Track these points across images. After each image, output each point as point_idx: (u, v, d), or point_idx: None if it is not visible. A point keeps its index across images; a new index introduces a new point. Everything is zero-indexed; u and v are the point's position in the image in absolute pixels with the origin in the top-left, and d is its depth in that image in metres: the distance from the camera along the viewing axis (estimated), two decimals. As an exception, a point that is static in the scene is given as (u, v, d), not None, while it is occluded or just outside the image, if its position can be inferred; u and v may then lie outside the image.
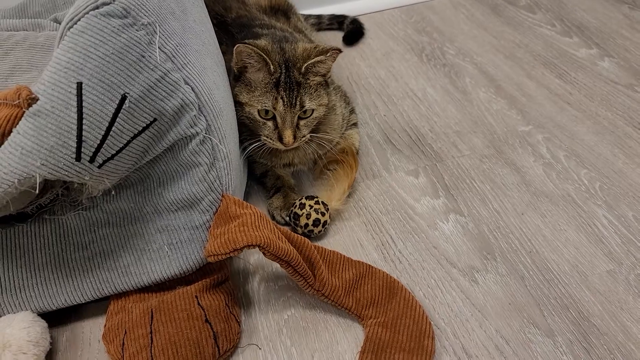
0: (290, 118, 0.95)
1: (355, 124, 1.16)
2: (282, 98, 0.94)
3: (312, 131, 1.00)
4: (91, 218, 0.84)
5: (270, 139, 0.97)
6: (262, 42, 0.97)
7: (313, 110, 0.97)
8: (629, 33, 1.51)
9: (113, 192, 0.82)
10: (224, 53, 1.12)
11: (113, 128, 0.69)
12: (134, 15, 0.70)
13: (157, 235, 0.84)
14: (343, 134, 1.11)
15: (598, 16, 1.58)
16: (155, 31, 0.72)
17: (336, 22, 1.57)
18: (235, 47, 0.93)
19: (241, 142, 1.00)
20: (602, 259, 0.94)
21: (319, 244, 0.97)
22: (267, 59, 0.92)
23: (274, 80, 0.94)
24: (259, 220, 0.82)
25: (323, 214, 0.96)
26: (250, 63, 0.94)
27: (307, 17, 1.53)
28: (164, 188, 0.83)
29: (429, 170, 1.13)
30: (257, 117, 0.96)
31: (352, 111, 1.17)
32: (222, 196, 0.85)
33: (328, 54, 0.95)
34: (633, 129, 1.20)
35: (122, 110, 0.69)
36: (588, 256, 0.94)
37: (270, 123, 0.96)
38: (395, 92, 1.33)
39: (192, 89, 0.77)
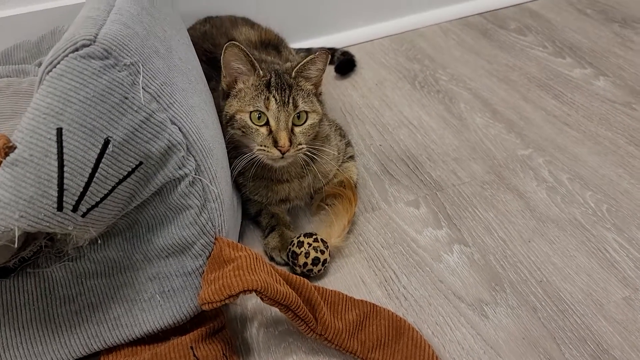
0: (284, 118, 0.90)
1: (352, 157, 1.13)
2: (274, 97, 0.90)
3: (307, 162, 0.96)
4: (78, 269, 0.79)
5: (265, 146, 0.90)
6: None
7: (307, 114, 0.93)
8: (621, 51, 1.50)
9: (100, 241, 0.78)
10: (213, 90, 1.10)
11: (96, 174, 0.66)
12: (115, 55, 0.67)
13: (148, 284, 0.80)
14: (340, 166, 1.07)
15: (589, 36, 1.58)
16: (138, 71, 0.69)
17: (326, 54, 1.55)
18: (223, 50, 0.91)
19: (231, 164, 0.96)
20: (616, 285, 0.90)
21: (319, 283, 0.92)
22: (254, 61, 0.91)
23: (265, 82, 0.92)
24: (255, 263, 0.78)
25: (322, 252, 0.92)
26: (239, 69, 0.93)
27: (297, 50, 1.51)
28: (154, 234, 0.79)
29: (429, 199, 1.09)
30: (250, 123, 0.91)
31: (348, 144, 1.14)
32: (215, 239, 0.80)
33: (316, 54, 0.93)
34: (635, 148, 1.17)
35: (105, 155, 0.66)
36: (602, 283, 0.90)
37: (263, 129, 0.91)
38: (390, 121, 1.31)
39: (179, 128, 0.74)
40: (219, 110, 0.98)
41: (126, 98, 0.67)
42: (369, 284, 0.93)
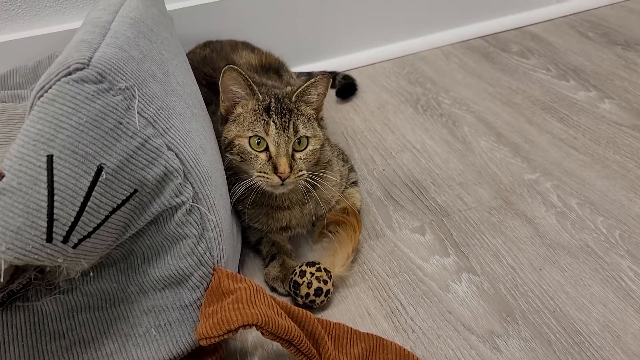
0: (284, 143, 0.87)
1: (355, 182, 1.10)
2: (273, 122, 0.88)
3: (308, 189, 0.93)
4: (69, 302, 0.76)
5: (264, 172, 0.87)
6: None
7: (308, 139, 0.91)
8: (626, 74, 1.48)
9: (92, 273, 0.74)
10: (212, 114, 1.08)
11: (89, 203, 0.63)
12: (110, 79, 0.64)
13: (143, 318, 0.76)
14: (343, 192, 1.04)
15: (592, 59, 1.56)
16: (133, 95, 0.67)
17: (327, 78, 1.53)
18: (221, 73, 0.89)
19: (230, 190, 0.92)
20: (633, 315, 0.86)
21: (322, 315, 0.88)
22: (253, 85, 0.89)
23: (264, 106, 0.90)
24: (255, 295, 0.74)
25: (325, 282, 0.88)
26: (238, 93, 0.91)
27: (298, 75, 1.50)
28: (149, 264, 0.75)
29: (435, 226, 1.06)
30: (249, 148, 0.88)
31: (351, 169, 1.11)
32: (214, 270, 0.77)
33: (317, 77, 0.91)
34: (645, 171, 1.14)
35: (98, 183, 0.63)
36: (618, 313, 0.86)
37: (263, 155, 0.88)
38: (393, 145, 1.28)
39: (176, 154, 0.71)
40: (218, 135, 0.96)
41: (120, 123, 0.65)
42: (374, 315, 0.89)
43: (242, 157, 0.89)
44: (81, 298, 0.76)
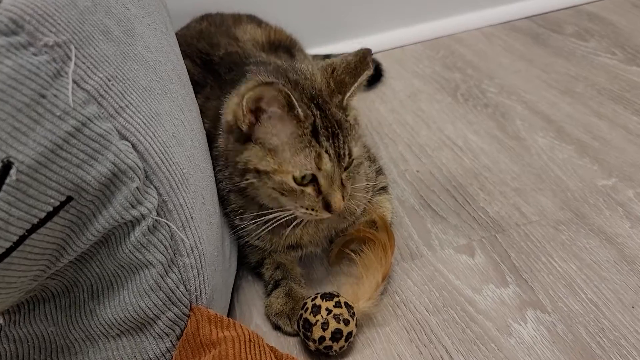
0: (338, 175, 0.67)
1: (384, 188, 0.86)
2: (326, 152, 0.65)
3: None
4: (-10, 350, 0.54)
5: (313, 209, 0.67)
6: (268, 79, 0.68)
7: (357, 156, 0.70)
8: None
9: (21, 311, 0.53)
10: (207, 99, 0.86)
11: (-11, 217, 0.41)
12: (30, 30, 0.43)
13: (90, 376, 0.54)
14: (369, 200, 0.80)
15: (663, 41, 1.31)
16: (68, 56, 0.45)
17: (348, 62, 1.30)
18: (251, 86, 0.63)
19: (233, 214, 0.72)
20: None
21: (342, 367, 0.66)
22: (294, 102, 0.62)
23: (309, 128, 0.65)
24: (249, 349, 0.52)
25: (347, 323, 0.65)
26: (266, 112, 0.64)
27: (313, 57, 1.27)
28: (99, 302, 0.53)
29: (486, 244, 0.82)
30: (293, 185, 0.66)
31: (379, 171, 0.87)
32: (190, 310, 0.55)
33: (364, 55, 0.69)
34: None
35: (3, 187, 0.41)
36: None
37: (309, 189, 0.66)
38: (429, 141, 1.05)
39: (134, 146, 0.49)
40: (216, 125, 0.73)
41: (43, 97, 0.42)
42: (411, 367, 0.66)
43: (281, 193, 0.67)
44: (6, 345, 0.54)
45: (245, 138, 0.66)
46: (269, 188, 0.67)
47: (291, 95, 0.62)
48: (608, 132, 1.03)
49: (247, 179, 0.67)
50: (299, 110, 0.63)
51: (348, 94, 0.69)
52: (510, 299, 0.74)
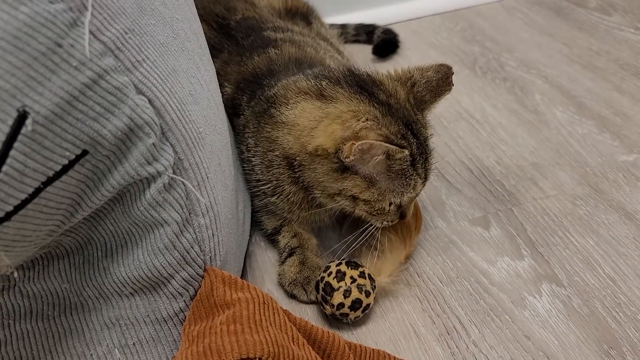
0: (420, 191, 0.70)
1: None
2: (419, 176, 0.66)
3: None
4: (5, 306, 0.54)
5: (391, 221, 0.69)
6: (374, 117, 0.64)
7: None
8: None
9: (35, 267, 0.53)
10: (225, 63, 0.86)
11: (4, 168, 0.40)
12: (46, -23, 0.41)
13: (103, 333, 0.54)
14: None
15: (690, 18, 1.27)
16: (85, 6, 0.43)
17: (364, 32, 1.28)
18: (364, 139, 0.60)
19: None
20: None
21: (354, 334, 0.66)
22: (400, 152, 0.62)
23: (409, 161, 0.63)
24: (262, 311, 0.51)
25: (368, 294, 0.65)
26: (374, 156, 0.62)
27: (330, 26, 1.25)
28: (113, 260, 0.53)
29: (502, 217, 0.81)
30: (389, 208, 0.67)
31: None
32: (205, 271, 0.54)
33: (449, 83, 0.69)
34: None
35: (19, 137, 0.40)
36: None
37: (393, 207, 0.68)
38: (445, 114, 1.03)
39: (150, 101, 0.47)
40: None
41: (59, 46, 0.41)
42: (423, 335, 0.66)
43: (371, 214, 0.68)
44: (20, 301, 0.54)
45: (344, 168, 0.64)
46: (361, 211, 0.67)
47: (398, 151, 0.61)
48: (630, 107, 1.01)
49: (337, 201, 0.67)
50: (404, 154, 0.62)
51: (427, 112, 0.68)
52: (525, 272, 0.73)
